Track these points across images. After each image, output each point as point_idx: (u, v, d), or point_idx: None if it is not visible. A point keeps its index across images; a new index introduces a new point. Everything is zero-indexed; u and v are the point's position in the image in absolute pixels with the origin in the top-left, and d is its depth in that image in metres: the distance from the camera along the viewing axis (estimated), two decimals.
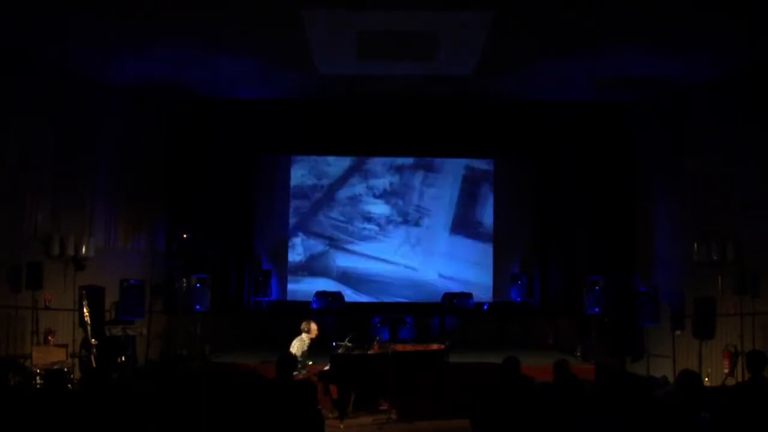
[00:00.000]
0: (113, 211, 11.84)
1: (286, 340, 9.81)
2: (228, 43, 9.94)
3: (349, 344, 9.61)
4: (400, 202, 14.00)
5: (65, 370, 9.22)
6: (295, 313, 11.79)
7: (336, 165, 14.04)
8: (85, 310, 10.12)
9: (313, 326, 9.83)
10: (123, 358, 10.47)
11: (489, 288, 13.83)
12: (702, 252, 10.89)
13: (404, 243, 13.88)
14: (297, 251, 13.91)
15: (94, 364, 9.87)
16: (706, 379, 10.42)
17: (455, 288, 13.47)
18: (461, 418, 8.28)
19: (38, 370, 8.96)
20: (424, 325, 13.20)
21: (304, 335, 9.75)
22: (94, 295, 10.60)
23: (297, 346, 9.56)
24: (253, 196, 13.73)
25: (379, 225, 13.93)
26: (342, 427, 8.88)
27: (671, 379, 10.27)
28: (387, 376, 9.10)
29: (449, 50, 10.02)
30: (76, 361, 10.29)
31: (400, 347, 9.85)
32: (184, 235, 12.34)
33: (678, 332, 11.11)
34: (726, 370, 10.17)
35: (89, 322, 10.06)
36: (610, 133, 12.78)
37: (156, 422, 5.80)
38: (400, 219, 13.95)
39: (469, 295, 13.10)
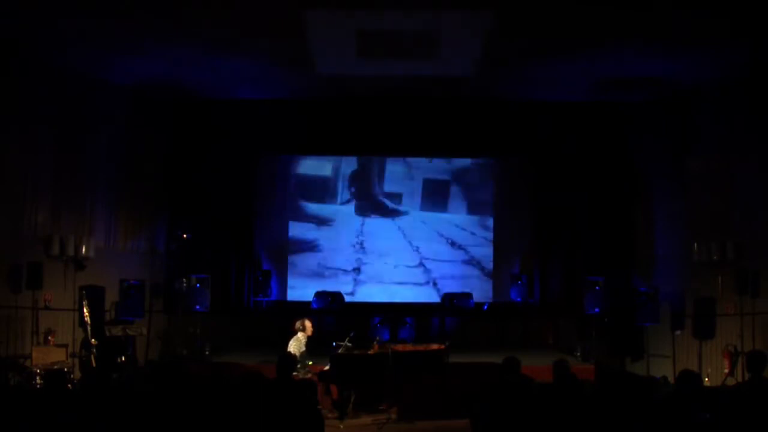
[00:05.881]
0: (113, 211, 11.83)
1: (286, 340, 9.78)
2: (228, 43, 9.94)
3: (349, 344, 9.60)
4: (400, 202, 13.98)
5: (65, 370, 9.24)
6: (295, 313, 11.78)
7: (334, 164, 14.03)
8: (85, 310, 10.14)
9: (308, 324, 9.78)
10: (123, 358, 10.49)
11: (489, 288, 13.82)
12: (702, 252, 10.91)
13: (404, 242, 13.87)
14: (297, 250, 13.91)
15: (94, 364, 9.87)
16: (706, 379, 10.43)
17: (455, 288, 13.47)
18: (461, 418, 8.27)
19: (38, 370, 8.98)
20: (424, 325, 13.19)
21: (299, 334, 9.71)
22: (94, 295, 10.61)
23: (294, 346, 9.52)
24: (253, 196, 13.71)
25: (378, 224, 13.91)
26: (342, 427, 8.87)
27: (671, 379, 10.27)
28: (387, 376, 9.10)
29: (449, 50, 10.02)
30: (76, 361, 10.31)
31: (400, 347, 9.83)
32: (184, 235, 12.34)
33: (678, 332, 11.13)
34: (726, 370, 10.18)
35: (89, 322, 10.08)
36: (610, 133, 12.78)
37: (156, 422, 5.79)
38: (399, 218, 13.94)
39: (469, 295, 13.07)
